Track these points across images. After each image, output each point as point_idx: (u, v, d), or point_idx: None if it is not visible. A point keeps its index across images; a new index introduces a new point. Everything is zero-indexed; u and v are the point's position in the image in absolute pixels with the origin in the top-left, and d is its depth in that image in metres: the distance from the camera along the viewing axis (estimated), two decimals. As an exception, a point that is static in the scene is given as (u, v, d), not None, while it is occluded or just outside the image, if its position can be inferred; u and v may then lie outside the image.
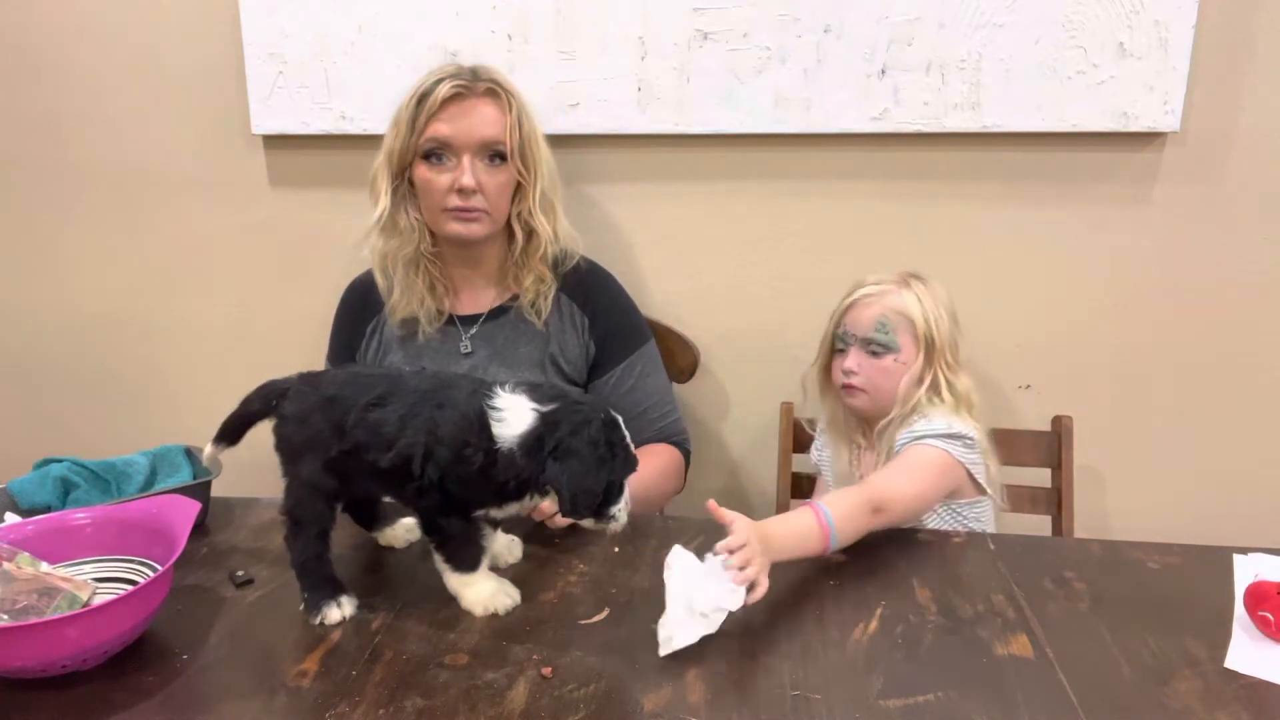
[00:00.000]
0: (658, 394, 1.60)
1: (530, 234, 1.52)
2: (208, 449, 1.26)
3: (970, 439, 1.41)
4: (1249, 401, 1.79)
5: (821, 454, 1.66)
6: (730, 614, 1.07)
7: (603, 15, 1.71)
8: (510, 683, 0.99)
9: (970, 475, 1.42)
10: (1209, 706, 0.95)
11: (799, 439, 1.77)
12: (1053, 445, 1.70)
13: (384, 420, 1.09)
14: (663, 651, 1.02)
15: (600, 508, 1.08)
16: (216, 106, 1.90)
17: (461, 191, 1.44)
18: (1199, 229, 1.73)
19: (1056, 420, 1.72)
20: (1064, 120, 1.66)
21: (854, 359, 1.49)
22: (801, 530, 1.17)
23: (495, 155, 1.46)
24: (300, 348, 1.96)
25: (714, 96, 1.73)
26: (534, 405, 1.06)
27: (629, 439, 1.09)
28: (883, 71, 1.68)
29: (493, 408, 1.06)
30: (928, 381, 1.45)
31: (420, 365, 1.54)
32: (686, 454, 1.64)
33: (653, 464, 1.51)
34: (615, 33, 1.72)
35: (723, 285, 1.87)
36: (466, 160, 1.44)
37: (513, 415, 1.06)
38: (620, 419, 1.09)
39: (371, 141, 1.83)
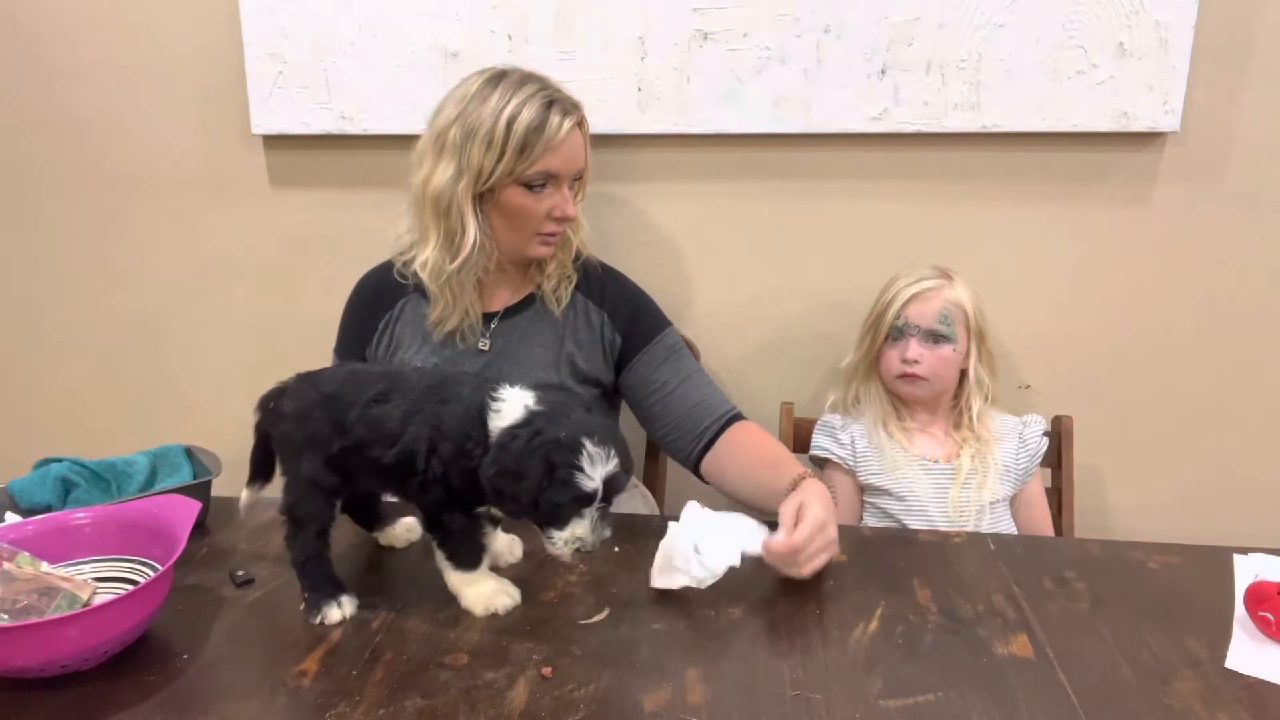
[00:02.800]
0: (696, 366, 1.57)
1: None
2: (244, 495, 1.25)
3: (1044, 424, 1.68)
4: (1249, 401, 1.79)
5: (849, 449, 1.66)
6: (731, 611, 1.08)
7: (603, 15, 1.71)
8: (510, 683, 0.99)
9: None
10: (1209, 706, 0.95)
11: (799, 439, 1.77)
12: (1053, 445, 1.70)
13: (387, 416, 1.09)
14: (653, 582, 1.16)
15: (546, 525, 1.04)
16: (216, 106, 1.90)
17: (559, 219, 1.45)
18: (1199, 229, 1.73)
19: (1056, 420, 1.72)
20: (1064, 120, 1.66)
21: (916, 349, 1.57)
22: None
23: (578, 177, 1.49)
24: (300, 347, 1.96)
25: (714, 96, 1.73)
26: (528, 404, 1.06)
27: (584, 473, 1.01)
28: (883, 71, 1.68)
29: (494, 398, 1.07)
30: (973, 366, 1.61)
31: (434, 361, 1.54)
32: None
33: (767, 441, 1.47)
34: (615, 33, 1.72)
35: (723, 285, 1.87)
36: (566, 189, 1.45)
37: (509, 408, 1.06)
38: (585, 445, 1.01)
39: (371, 141, 1.85)
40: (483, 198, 1.43)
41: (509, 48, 1.74)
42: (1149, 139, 1.69)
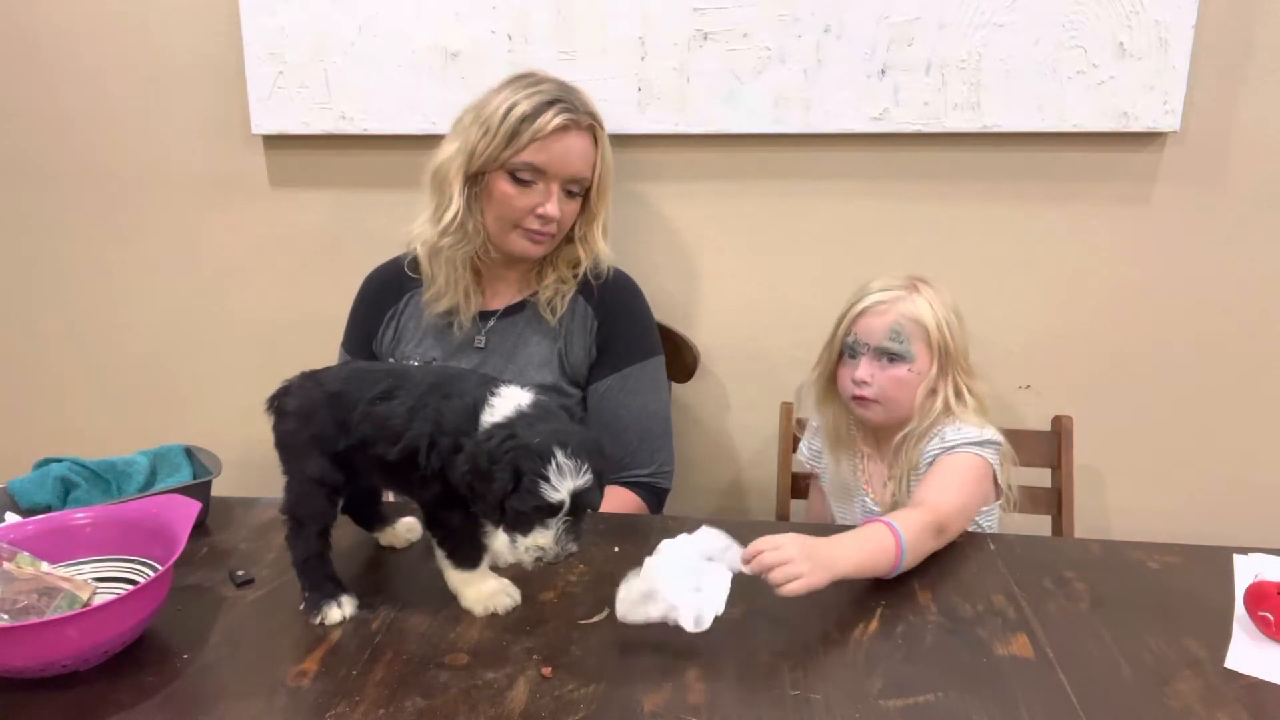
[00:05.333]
0: (645, 417, 1.58)
1: (571, 243, 1.56)
2: None
3: (998, 444, 1.40)
4: (1249, 401, 1.79)
5: (818, 460, 1.64)
6: (731, 611, 1.08)
7: (603, 15, 1.71)
8: (510, 683, 0.99)
9: (995, 480, 1.41)
10: (1209, 706, 0.95)
11: (799, 439, 1.77)
12: (1053, 445, 1.70)
13: (391, 413, 1.09)
14: (624, 616, 1.04)
15: (510, 529, 1.02)
16: (216, 106, 1.90)
17: (542, 218, 1.46)
18: (1199, 229, 1.73)
19: (1056, 420, 1.72)
20: (1064, 120, 1.66)
21: (866, 369, 1.44)
22: (876, 545, 1.15)
23: (576, 186, 1.49)
24: (300, 347, 1.96)
25: (714, 96, 1.73)
26: (520, 404, 1.06)
27: (549, 484, 0.99)
28: (883, 71, 1.68)
29: (493, 394, 1.07)
30: (943, 391, 1.43)
31: (431, 358, 1.56)
32: (659, 491, 1.60)
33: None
34: (615, 33, 1.72)
35: (723, 285, 1.87)
36: (555, 190, 1.46)
37: (502, 406, 1.06)
38: (556, 455, 0.99)
39: (371, 141, 1.85)
40: (476, 180, 1.46)
41: (509, 48, 1.74)
42: (1149, 139, 1.69)
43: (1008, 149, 1.72)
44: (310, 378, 1.17)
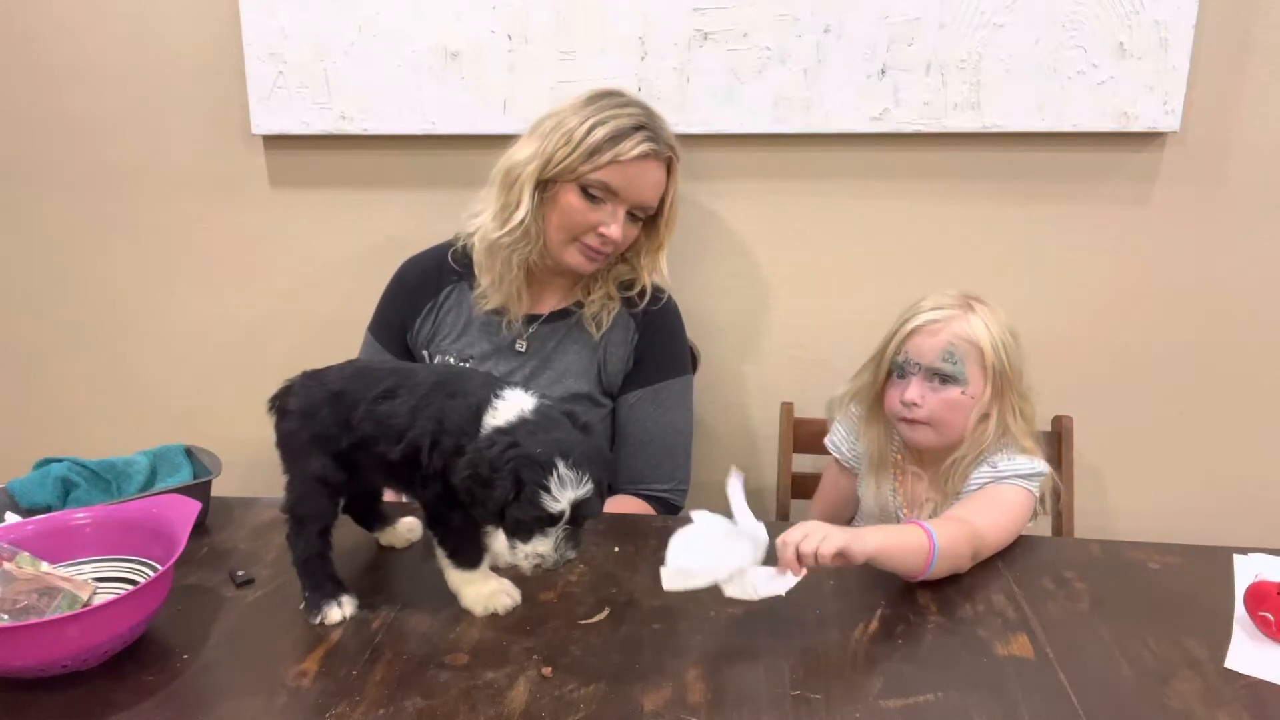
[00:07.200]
0: (670, 433, 1.60)
1: (622, 262, 1.58)
2: None
3: (1044, 475, 1.37)
4: (1249, 401, 1.79)
5: (858, 464, 1.56)
6: (731, 611, 1.08)
7: (603, 15, 1.71)
8: (510, 683, 0.99)
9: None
10: (1209, 706, 0.95)
11: (799, 439, 1.77)
12: (1053, 445, 1.70)
13: (394, 412, 1.09)
14: (666, 579, 1.05)
15: (510, 535, 1.03)
16: (216, 106, 1.89)
17: (602, 237, 1.47)
18: (1199, 229, 1.73)
19: (1056, 420, 1.72)
20: (1064, 120, 1.66)
21: (917, 390, 1.38)
22: (906, 540, 1.14)
23: (641, 212, 1.51)
24: (300, 347, 1.97)
25: (714, 96, 1.73)
26: (523, 409, 1.05)
27: (550, 495, 0.99)
28: (883, 71, 1.68)
29: (496, 396, 1.07)
30: (995, 416, 1.37)
31: (469, 356, 1.57)
32: (673, 507, 1.61)
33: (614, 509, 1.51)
34: (615, 33, 1.72)
35: (723, 285, 1.86)
36: (621, 213, 1.47)
37: (505, 410, 1.05)
38: (557, 466, 1.00)
39: (371, 141, 1.85)
40: (545, 187, 1.47)
41: (509, 48, 1.74)
42: (1149, 139, 1.69)
43: (1008, 149, 1.72)
44: (312, 377, 1.18)
